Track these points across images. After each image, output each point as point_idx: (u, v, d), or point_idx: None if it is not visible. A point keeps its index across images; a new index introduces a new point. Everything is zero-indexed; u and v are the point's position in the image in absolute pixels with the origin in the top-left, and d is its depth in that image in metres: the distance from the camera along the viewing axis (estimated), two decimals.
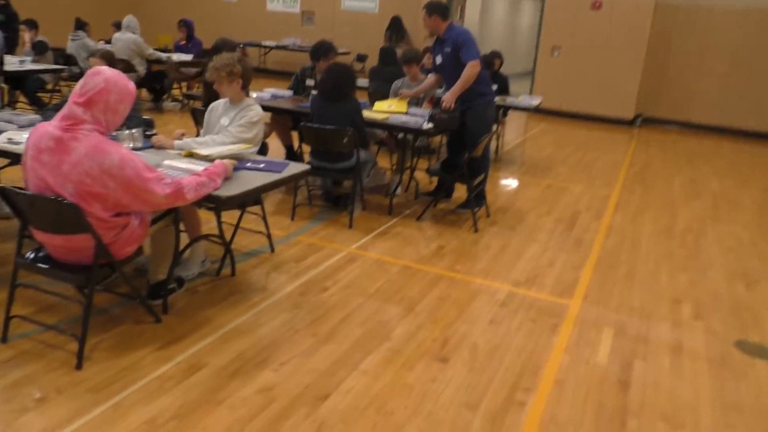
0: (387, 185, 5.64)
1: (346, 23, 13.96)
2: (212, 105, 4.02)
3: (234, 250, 4.14)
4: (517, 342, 3.29)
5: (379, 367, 2.95)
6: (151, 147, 3.56)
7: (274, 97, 5.80)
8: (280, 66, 14.64)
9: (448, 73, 5.11)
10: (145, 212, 2.95)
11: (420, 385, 2.83)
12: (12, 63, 6.98)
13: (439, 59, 5.18)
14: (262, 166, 3.38)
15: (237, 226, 3.89)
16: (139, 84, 8.35)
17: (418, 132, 4.98)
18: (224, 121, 3.86)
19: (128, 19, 8.83)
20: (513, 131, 10.02)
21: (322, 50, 5.80)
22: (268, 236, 4.20)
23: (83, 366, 2.75)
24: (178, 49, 9.46)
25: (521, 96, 7.68)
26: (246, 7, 15.03)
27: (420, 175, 5.99)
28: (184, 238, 3.53)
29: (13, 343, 2.90)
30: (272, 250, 4.20)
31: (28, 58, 7.22)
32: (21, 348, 2.87)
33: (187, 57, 8.99)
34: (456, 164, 5.24)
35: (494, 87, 7.55)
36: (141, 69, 8.60)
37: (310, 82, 6.02)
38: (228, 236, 3.78)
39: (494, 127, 5.26)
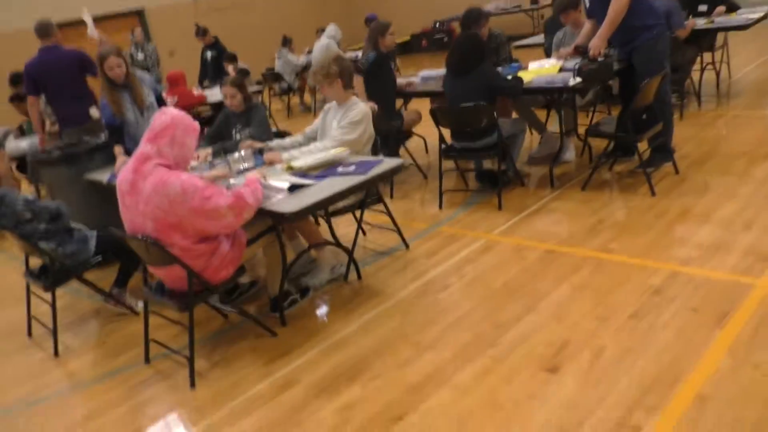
0: (558, 152, 5.00)
1: None
2: (326, 107, 3.99)
3: (370, 250, 4.11)
4: (660, 342, 2.62)
5: (473, 380, 2.61)
6: (263, 164, 3.67)
7: (425, 79, 5.55)
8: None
9: (599, 14, 4.29)
10: (236, 234, 3.05)
11: (512, 404, 2.42)
12: (216, 94, 7.91)
13: (587, 1, 4.40)
14: (351, 169, 3.24)
15: (358, 228, 3.81)
16: None
17: (563, 90, 4.29)
18: (334, 123, 3.81)
19: (329, 28, 9.35)
20: (752, 52, 8.13)
21: (471, 18, 5.36)
22: (399, 233, 4.03)
23: (196, 385, 2.95)
24: None
25: (734, 13, 6.14)
26: None
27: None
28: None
29: (154, 364, 3.24)
30: (407, 247, 4.03)
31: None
32: (159, 368, 3.20)
33: None
34: (637, 115, 4.43)
35: (704, 7, 6.29)
36: None
37: None
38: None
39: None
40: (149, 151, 2.82)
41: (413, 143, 5.68)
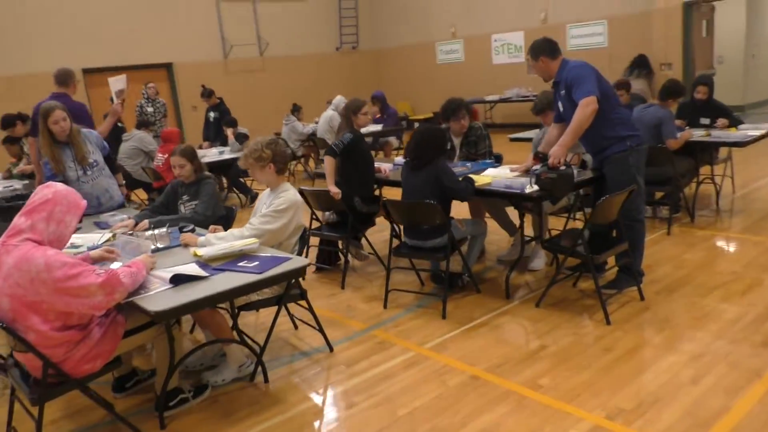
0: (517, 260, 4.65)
1: None
2: (264, 192, 3.77)
3: (292, 347, 3.79)
4: None
5: None
6: (179, 246, 3.43)
7: (397, 166, 5.33)
8: (507, 119, 14.12)
9: (570, 120, 4.05)
10: (112, 324, 2.78)
11: None
12: (212, 154, 7.87)
13: (560, 106, 4.16)
14: (252, 265, 2.96)
15: (272, 326, 3.50)
16: None
17: (520, 198, 4.00)
18: (263, 209, 3.57)
19: (336, 99, 9.35)
20: (765, 167, 7.75)
21: (450, 110, 5.17)
22: (323, 334, 3.71)
23: None
24: (376, 121, 9.64)
25: (734, 128, 5.83)
26: (471, 64, 14.92)
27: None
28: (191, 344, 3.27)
29: None
30: (331, 350, 3.69)
31: (227, 149, 8.04)
32: None
33: (377, 127, 9.10)
34: (604, 230, 4.10)
35: (706, 120, 6.01)
36: None
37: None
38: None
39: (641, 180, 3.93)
40: (22, 225, 2.61)
41: (381, 232, 5.40)
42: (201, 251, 3.12)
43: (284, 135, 9.71)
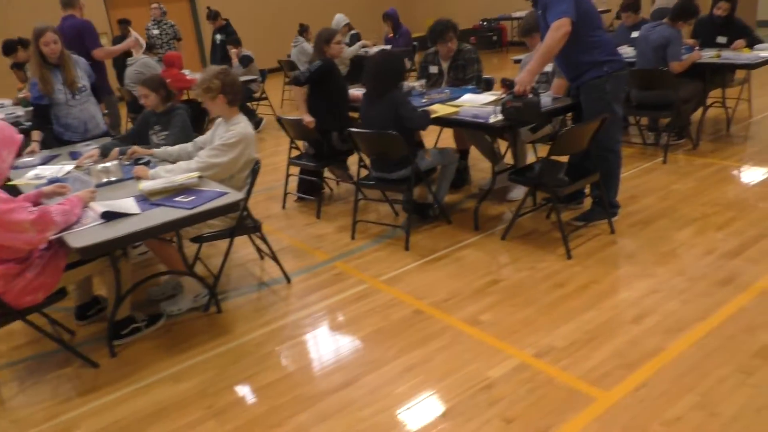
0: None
1: None
2: (217, 121, 3.72)
3: (253, 277, 3.85)
4: None
5: None
6: (131, 178, 3.45)
7: None
8: None
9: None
10: (53, 256, 2.85)
11: None
12: None
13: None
14: (187, 200, 2.96)
15: (225, 257, 3.53)
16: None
17: (483, 128, 3.83)
18: (216, 140, 3.53)
19: (336, 18, 9.05)
20: None
21: (436, 32, 4.91)
22: (279, 265, 3.74)
23: None
24: (388, 41, 9.31)
25: (748, 49, 5.37)
26: None
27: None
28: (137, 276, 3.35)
29: None
30: (288, 281, 3.73)
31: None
32: None
33: (387, 48, 8.79)
34: (580, 159, 3.94)
35: (723, 39, 5.57)
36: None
37: (433, 69, 5.20)
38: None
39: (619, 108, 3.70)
40: None
41: None
42: (143, 185, 3.13)
43: (293, 57, 9.49)
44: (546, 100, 3.91)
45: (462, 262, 3.74)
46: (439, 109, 4.14)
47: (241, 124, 3.46)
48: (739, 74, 5.89)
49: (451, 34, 4.84)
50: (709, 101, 5.66)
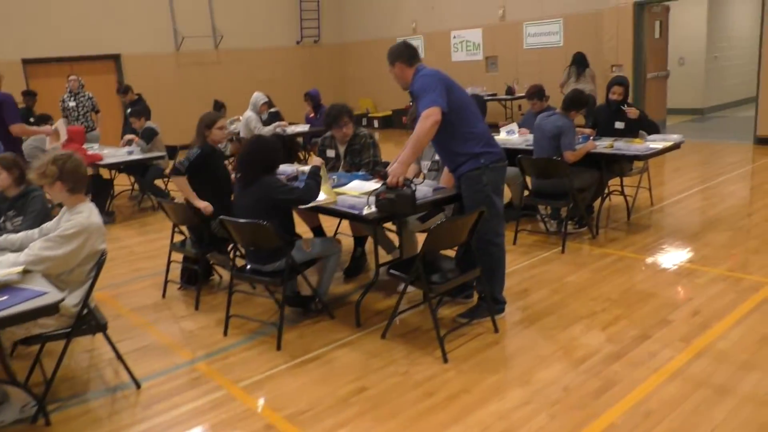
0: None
1: (527, 63, 12.43)
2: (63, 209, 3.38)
3: (100, 381, 3.43)
4: None
5: None
6: None
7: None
8: None
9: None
10: None
11: None
12: (120, 155, 7.44)
13: None
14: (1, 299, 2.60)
15: (57, 366, 3.11)
16: None
17: (358, 219, 3.64)
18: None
19: (254, 96, 8.95)
20: (698, 175, 7.42)
21: (331, 117, 4.79)
22: (126, 369, 3.34)
23: None
24: (308, 121, 9.25)
25: (640, 140, 5.46)
26: (430, 61, 14.52)
27: None
28: None
29: None
30: (137, 386, 3.33)
31: (137, 148, 7.58)
32: None
33: (304, 127, 8.73)
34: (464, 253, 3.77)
35: (620, 124, 5.68)
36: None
37: (331, 153, 5.05)
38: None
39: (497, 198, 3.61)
40: None
41: None
42: None
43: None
44: (425, 190, 3.77)
45: (333, 364, 3.44)
46: (322, 197, 3.94)
47: (83, 214, 3.14)
48: (638, 162, 5.98)
49: (346, 119, 4.73)
50: (611, 189, 5.70)
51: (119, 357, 3.33)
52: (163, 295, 4.67)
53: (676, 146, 5.39)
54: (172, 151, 7.69)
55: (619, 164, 5.56)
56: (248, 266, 3.90)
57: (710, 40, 13.01)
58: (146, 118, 7.76)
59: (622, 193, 5.71)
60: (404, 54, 3.68)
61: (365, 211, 3.52)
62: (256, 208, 3.65)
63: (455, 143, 3.59)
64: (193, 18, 13.93)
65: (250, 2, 14.88)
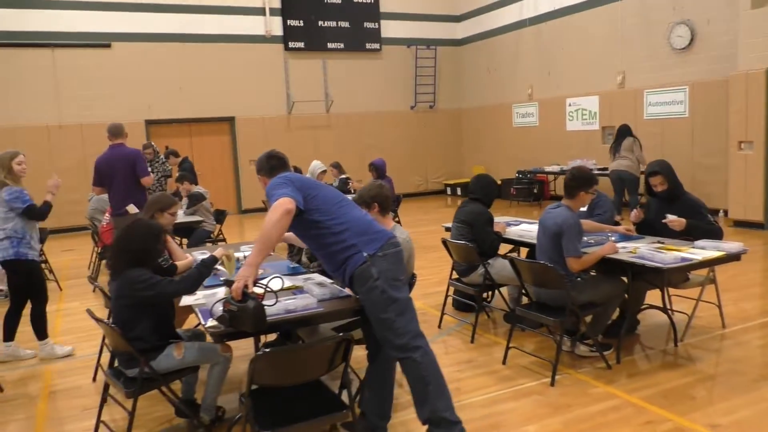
0: None
1: (648, 135, 10.89)
2: None
3: None
4: None
5: None
6: None
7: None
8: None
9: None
10: None
11: None
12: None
13: None
14: None
15: None
16: None
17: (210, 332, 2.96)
18: None
19: (312, 165, 8.78)
20: None
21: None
22: None
23: None
24: None
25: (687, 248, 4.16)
26: (544, 130, 13.47)
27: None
28: None
29: None
30: None
31: (182, 210, 7.57)
32: None
33: None
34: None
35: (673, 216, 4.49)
36: None
37: None
38: None
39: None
40: None
41: None
42: None
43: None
44: (280, 306, 2.97)
45: None
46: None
47: None
48: (702, 270, 4.62)
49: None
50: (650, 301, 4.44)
51: None
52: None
53: (730, 258, 4.04)
54: None
55: (659, 272, 4.29)
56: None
57: None
58: (189, 182, 7.79)
59: (663, 308, 4.40)
60: (265, 166, 3.30)
61: (209, 323, 2.88)
62: (119, 305, 3.18)
63: (328, 240, 3.03)
64: (306, 84, 14.34)
65: (365, 70, 15.05)
